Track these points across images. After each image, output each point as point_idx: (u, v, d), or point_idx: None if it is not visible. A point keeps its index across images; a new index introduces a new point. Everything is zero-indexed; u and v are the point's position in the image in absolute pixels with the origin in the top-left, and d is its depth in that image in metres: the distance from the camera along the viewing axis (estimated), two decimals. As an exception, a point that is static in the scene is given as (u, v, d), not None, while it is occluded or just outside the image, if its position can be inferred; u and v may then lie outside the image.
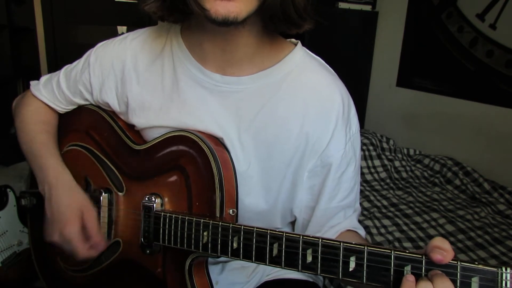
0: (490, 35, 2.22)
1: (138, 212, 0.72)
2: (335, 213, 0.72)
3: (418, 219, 1.90)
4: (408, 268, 0.49)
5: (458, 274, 0.47)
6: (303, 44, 0.76)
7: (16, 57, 2.48)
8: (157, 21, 0.72)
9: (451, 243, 1.67)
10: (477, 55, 2.28)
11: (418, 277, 0.48)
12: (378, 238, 1.72)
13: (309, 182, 0.73)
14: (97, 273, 0.82)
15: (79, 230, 0.73)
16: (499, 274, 0.45)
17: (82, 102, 0.86)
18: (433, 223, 1.87)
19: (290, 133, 0.70)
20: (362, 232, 0.74)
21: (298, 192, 0.74)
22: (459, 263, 0.47)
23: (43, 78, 0.89)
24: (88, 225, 0.74)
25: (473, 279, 0.46)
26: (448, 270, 0.47)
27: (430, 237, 1.75)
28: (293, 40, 0.76)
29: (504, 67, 2.16)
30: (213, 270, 0.83)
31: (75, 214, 0.74)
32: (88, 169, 0.82)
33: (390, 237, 1.73)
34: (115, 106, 0.80)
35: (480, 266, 0.46)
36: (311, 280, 0.85)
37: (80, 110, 0.87)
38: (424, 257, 0.49)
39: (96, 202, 0.78)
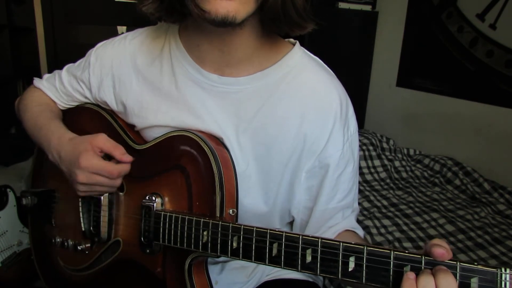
0: (490, 35, 2.22)
1: (138, 212, 0.72)
2: (334, 213, 0.72)
3: (418, 219, 1.90)
4: (407, 269, 0.49)
5: (458, 274, 0.47)
6: (303, 44, 0.76)
7: (16, 57, 2.48)
8: (156, 21, 0.72)
9: (451, 243, 1.68)
10: (477, 55, 2.28)
11: (420, 273, 0.48)
12: (378, 238, 1.72)
13: (307, 183, 0.73)
14: (97, 272, 0.82)
15: (95, 155, 0.69)
16: (499, 275, 0.45)
17: (83, 99, 0.87)
18: (433, 223, 1.87)
19: (288, 133, 0.70)
20: (360, 232, 0.74)
21: (296, 192, 0.74)
22: (458, 263, 0.47)
23: (46, 75, 0.91)
24: (102, 146, 0.70)
25: (472, 279, 0.46)
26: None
27: (430, 237, 1.76)
28: (292, 40, 0.76)
29: (504, 67, 2.16)
30: (213, 270, 0.83)
31: (83, 147, 0.70)
32: None
33: (390, 237, 1.73)
34: (113, 105, 0.81)
35: (480, 267, 0.46)
36: (311, 280, 0.85)
37: (81, 110, 0.88)
38: (423, 257, 0.48)
39: (97, 201, 0.79)
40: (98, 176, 0.69)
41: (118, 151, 0.70)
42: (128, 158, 0.70)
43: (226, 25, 0.58)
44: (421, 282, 0.47)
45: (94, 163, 0.68)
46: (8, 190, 1.41)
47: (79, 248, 0.82)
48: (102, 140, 0.70)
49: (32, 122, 0.83)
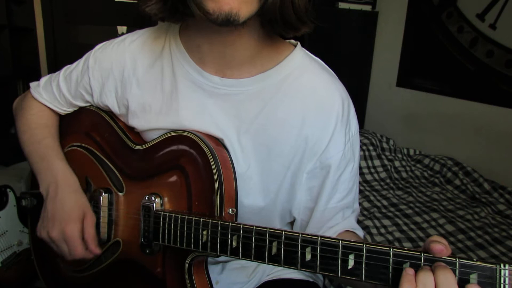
0: (490, 35, 2.22)
1: (138, 212, 0.72)
2: (334, 214, 0.72)
3: (418, 219, 1.90)
4: (406, 265, 0.49)
5: (457, 270, 0.47)
6: (303, 44, 0.76)
7: (16, 57, 2.48)
8: (157, 21, 0.72)
9: (451, 243, 1.68)
10: (477, 55, 2.28)
11: (419, 269, 0.48)
12: (378, 238, 1.72)
13: (308, 184, 0.73)
14: (97, 273, 0.82)
15: (80, 230, 0.75)
16: (498, 271, 0.45)
17: (83, 104, 0.86)
18: (433, 223, 1.87)
19: (289, 134, 0.70)
20: (360, 232, 0.74)
21: (297, 193, 0.74)
22: (457, 259, 0.47)
23: (43, 80, 0.89)
24: (86, 230, 0.75)
25: (471, 275, 0.46)
26: None
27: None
28: (293, 41, 0.76)
29: (504, 67, 2.16)
30: (213, 270, 0.83)
31: (78, 214, 0.75)
32: (89, 169, 0.82)
33: (390, 237, 1.73)
34: (115, 108, 0.80)
35: (479, 263, 0.46)
36: (311, 280, 0.85)
37: (80, 111, 0.88)
38: (422, 254, 0.48)
39: (96, 202, 0.79)
40: (66, 245, 0.75)
41: (93, 243, 0.75)
42: (96, 251, 0.76)
43: (229, 23, 0.57)
44: (420, 278, 0.47)
45: (74, 238, 0.74)
46: (8, 190, 1.41)
47: (79, 248, 0.82)
48: (91, 225, 0.76)
49: (32, 147, 0.84)
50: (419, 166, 2.44)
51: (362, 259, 0.51)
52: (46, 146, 0.83)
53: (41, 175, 0.81)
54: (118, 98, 0.79)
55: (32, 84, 0.90)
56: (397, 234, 1.76)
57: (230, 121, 0.71)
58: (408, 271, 0.48)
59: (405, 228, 1.82)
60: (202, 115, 0.72)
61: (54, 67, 2.68)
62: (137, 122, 0.77)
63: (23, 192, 0.90)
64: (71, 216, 0.75)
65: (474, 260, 0.47)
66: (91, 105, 0.85)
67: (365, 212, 1.94)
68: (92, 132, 0.84)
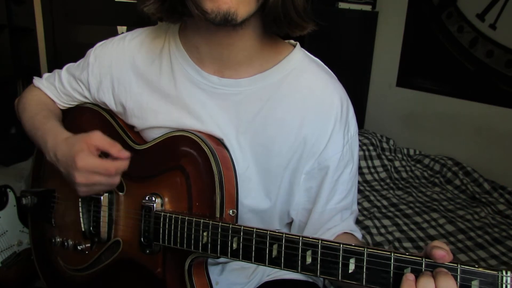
0: (490, 35, 2.21)
1: (138, 212, 0.72)
2: (332, 215, 0.72)
3: (418, 219, 1.90)
4: (407, 271, 0.49)
5: (458, 277, 0.46)
6: (303, 44, 0.76)
7: (16, 57, 2.48)
8: (157, 21, 0.72)
9: (451, 243, 1.68)
10: (477, 55, 2.28)
11: (420, 275, 0.48)
12: (378, 238, 1.72)
13: (306, 184, 0.73)
14: (97, 272, 0.82)
15: (90, 154, 0.67)
16: (500, 278, 0.45)
17: (82, 99, 0.87)
18: (433, 223, 1.87)
19: (288, 135, 0.70)
20: (358, 234, 0.74)
21: (295, 194, 0.74)
22: (459, 265, 0.47)
23: (46, 74, 0.91)
24: (98, 144, 0.67)
25: (473, 282, 0.46)
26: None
27: (430, 237, 1.76)
28: (292, 41, 0.76)
29: (504, 67, 2.16)
30: (214, 271, 0.83)
31: (78, 147, 0.68)
32: None
33: (390, 237, 1.73)
34: (112, 106, 0.81)
35: (481, 269, 0.46)
36: (311, 280, 0.85)
37: (82, 110, 0.88)
38: (424, 259, 0.48)
39: (97, 201, 0.79)
40: (96, 175, 0.67)
41: (115, 148, 0.67)
42: (125, 154, 0.68)
43: (226, 23, 0.57)
44: (420, 284, 0.46)
45: (91, 162, 0.66)
46: (8, 190, 1.41)
47: (79, 248, 0.82)
48: (98, 138, 0.68)
49: (30, 122, 0.83)
50: (419, 166, 2.44)
51: (363, 263, 0.51)
52: (41, 116, 0.81)
53: (41, 145, 0.78)
54: (115, 96, 0.79)
55: (36, 77, 0.92)
56: (397, 234, 1.76)
57: (229, 121, 0.71)
58: (409, 277, 0.47)
59: (405, 228, 1.82)
60: (201, 114, 0.72)
61: (54, 67, 2.66)
62: (136, 120, 0.77)
63: (23, 191, 0.90)
64: (74, 154, 0.67)
65: (476, 266, 0.46)
66: (92, 104, 0.86)
67: (365, 212, 1.93)
68: (92, 130, 0.84)
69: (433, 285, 0.46)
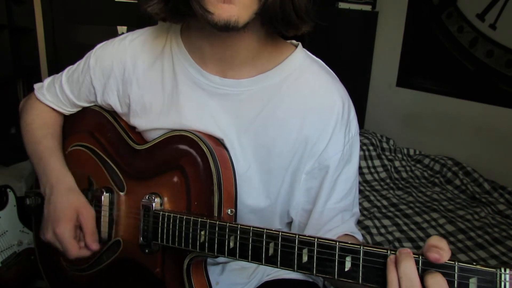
0: (490, 35, 2.22)
1: (138, 212, 0.73)
2: (332, 216, 0.72)
3: (418, 219, 1.90)
4: None
5: (456, 274, 0.46)
6: (303, 45, 0.76)
7: (16, 57, 2.48)
8: (157, 21, 0.72)
9: (451, 243, 1.68)
10: (477, 55, 2.28)
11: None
12: (378, 238, 1.72)
13: (306, 184, 0.73)
14: (98, 272, 0.82)
15: (72, 229, 0.74)
16: (498, 275, 0.44)
17: (88, 105, 0.86)
18: (433, 223, 1.87)
19: (289, 135, 0.70)
20: (359, 237, 0.73)
21: (296, 193, 0.74)
22: (456, 263, 0.46)
23: (46, 81, 0.89)
24: (83, 224, 0.75)
25: (471, 280, 0.45)
26: (445, 270, 0.46)
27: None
28: (294, 42, 0.76)
29: (504, 67, 2.16)
30: (214, 271, 0.83)
31: (69, 213, 0.75)
32: (91, 168, 0.82)
33: (390, 237, 1.73)
34: (117, 107, 0.80)
35: (478, 267, 0.45)
36: (311, 280, 0.85)
37: (84, 111, 0.88)
38: (421, 257, 0.48)
39: (98, 201, 0.79)
40: (60, 245, 0.75)
41: (91, 238, 0.75)
42: (94, 247, 0.75)
43: (228, 29, 0.58)
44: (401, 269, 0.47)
45: (65, 238, 0.73)
46: (8, 190, 1.41)
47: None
48: (87, 218, 0.75)
49: (32, 147, 0.84)
50: (419, 166, 2.44)
51: (359, 262, 0.50)
52: (45, 146, 0.83)
53: (39, 176, 0.81)
54: (120, 97, 0.79)
55: (36, 86, 0.90)
56: (397, 234, 1.76)
57: (231, 121, 0.71)
58: (392, 258, 0.48)
59: (405, 228, 1.83)
60: (202, 114, 0.72)
61: (54, 67, 2.68)
62: (138, 121, 0.77)
63: (27, 191, 0.90)
64: (62, 216, 0.74)
65: (474, 264, 0.46)
66: (95, 105, 0.86)
67: (365, 212, 1.94)
68: (95, 132, 0.84)
69: (414, 269, 0.47)
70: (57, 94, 0.86)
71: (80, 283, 0.86)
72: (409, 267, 0.47)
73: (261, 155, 0.71)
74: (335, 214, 0.72)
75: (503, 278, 0.44)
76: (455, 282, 0.46)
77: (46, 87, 0.88)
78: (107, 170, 0.80)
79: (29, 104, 0.90)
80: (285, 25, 0.64)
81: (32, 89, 0.92)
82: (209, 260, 0.75)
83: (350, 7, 2.69)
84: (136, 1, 2.93)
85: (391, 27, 2.74)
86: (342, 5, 2.66)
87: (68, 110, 0.88)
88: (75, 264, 0.85)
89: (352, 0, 2.68)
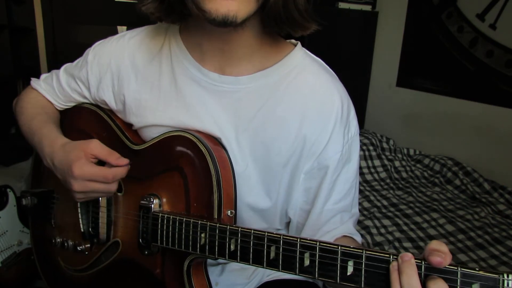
0: (490, 35, 2.21)
1: (137, 213, 0.72)
2: (331, 216, 0.72)
3: (418, 219, 1.90)
4: None
5: (458, 280, 0.46)
6: (303, 44, 0.76)
7: (16, 57, 2.48)
8: (156, 21, 0.72)
9: (451, 243, 1.68)
10: (477, 55, 2.27)
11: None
12: (378, 238, 1.72)
13: (305, 184, 0.73)
14: (97, 273, 0.82)
15: (87, 163, 0.67)
16: (501, 281, 0.44)
17: (81, 99, 0.86)
18: (433, 223, 1.87)
19: (288, 134, 0.70)
20: (358, 238, 0.73)
21: (294, 193, 0.73)
22: (459, 269, 0.46)
23: (44, 75, 0.91)
24: (97, 152, 0.68)
25: (473, 286, 0.45)
26: (448, 276, 0.46)
27: (430, 237, 1.76)
28: (293, 41, 0.76)
29: (504, 67, 2.16)
30: (213, 271, 0.83)
31: (75, 155, 0.68)
32: None
33: (390, 237, 1.73)
34: (112, 104, 0.80)
35: (481, 273, 0.45)
36: (311, 280, 0.85)
37: (79, 110, 0.88)
38: (423, 262, 0.47)
39: (96, 202, 0.79)
40: (93, 183, 0.67)
41: (113, 156, 0.68)
42: (124, 161, 0.68)
43: (226, 25, 0.58)
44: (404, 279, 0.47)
45: (87, 171, 0.67)
46: (8, 190, 1.41)
47: (78, 248, 0.82)
48: (95, 147, 0.68)
49: (26, 126, 0.83)
50: (419, 166, 2.44)
51: (362, 266, 0.50)
52: (38, 120, 0.82)
53: (39, 151, 0.79)
54: (115, 93, 0.79)
55: (33, 79, 0.91)
56: (397, 234, 1.76)
57: (229, 119, 0.71)
58: (395, 266, 0.48)
59: (405, 228, 1.82)
60: (200, 112, 0.72)
61: (54, 67, 2.65)
62: (134, 118, 0.77)
63: (23, 191, 0.90)
64: (70, 162, 0.68)
65: (477, 269, 0.45)
66: (90, 104, 0.86)
67: (365, 212, 1.93)
68: (91, 131, 0.84)
69: (416, 278, 0.46)
70: (53, 85, 0.87)
71: (79, 284, 0.86)
72: (411, 277, 0.47)
73: (259, 153, 0.71)
74: (333, 215, 0.72)
75: (506, 284, 0.44)
76: (458, 287, 0.46)
77: (43, 79, 0.89)
78: None
79: (24, 94, 0.90)
80: (291, 25, 0.64)
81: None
82: (209, 260, 0.75)
83: (350, 7, 2.68)
84: (136, 1, 2.92)
85: (391, 27, 2.74)
86: (342, 5, 2.66)
87: (61, 103, 0.88)
88: (73, 264, 0.85)
89: (352, 0, 2.68)
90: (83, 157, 0.67)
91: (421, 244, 1.69)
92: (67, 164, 0.68)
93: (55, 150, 0.73)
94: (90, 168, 0.67)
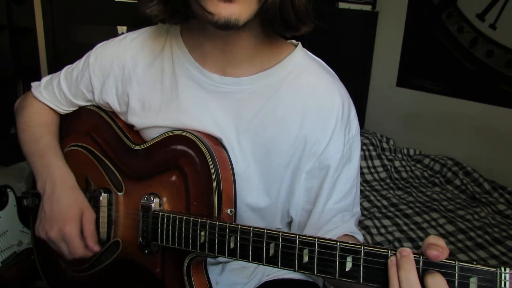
0: (490, 35, 2.22)
1: (137, 212, 0.72)
2: (332, 216, 0.72)
3: (418, 219, 1.90)
4: None
5: (456, 274, 0.46)
6: (303, 45, 0.76)
7: (16, 57, 2.48)
8: (159, 23, 0.72)
9: (451, 243, 1.68)
10: (477, 55, 2.28)
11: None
12: (378, 238, 1.72)
13: (306, 184, 0.73)
14: (97, 272, 0.82)
15: (78, 229, 0.74)
16: (498, 275, 0.44)
17: (84, 103, 0.86)
18: (433, 223, 1.87)
19: (288, 134, 0.70)
20: (360, 237, 0.73)
21: (296, 193, 0.73)
22: (457, 263, 0.46)
23: (44, 80, 0.89)
24: (85, 227, 0.75)
25: (471, 279, 0.45)
26: (446, 270, 0.47)
27: (430, 237, 1.76)
28: (294, 41, 0.76)
29: (504, 67, 2.16)
30: (214, 271, 0.83)
31: (76, 212, 0.75)
32: (89, 169, 0.82)
33: (390, 237, 1.73)
34: (116, 106, 0.80)
35: (479, 266, 0.45)
36: (311, 280, 0.85)
37: (80, 111, 0.88)
38: (421, 257, 0.48)
39: (96, 202, 0.79)
40: (65, 245, 0.74)
41: (91, 240, 0.75)
42: (96, 248, 0.75)
43: (228, 28, 0.58)
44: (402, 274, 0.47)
45: (73, 237, 0.73)
46: (8, 190, 1.41)
47: (79, 248, 0.82)
48: (88, 220, 0.75)
49: (30, 145, 0.84)
50: (419, 166, 2.44)
51: (360, 262, 0.50)
52: (44, 144, 0.83)
53: (38, 173, 0.80)
54: (119, 95, 0.79)
55: (34, 84, 0.90)
56: (397, 234, 1.76)
57: (230, 119, 0.71)
58: (393, 261, 0.48)
59: (405, 228, 1.83)
60: (201, 113, 0.72)
61: (54, 67, 2.67)
62: (136, 119, 0.77)
63: (24, 192, 0.90)
64: (69, 215, 0.74)
65: (474, 263, 0.46)
66: (92, 104, 0.86)
67: (365, 212, 1.94)
68: (92, 132, 0.84)
69: (414, 273, 0.47)
70: (54, 92, 0.86)
71: (79, 284, 0.86)
72: (409, 271, 0.47)
73: (260, 153, 0.71)
74: (334, 214, 0.72)
75: (503, 278, 0.44)
76: (456, 281, 0.46)
77: (43, 85, 0.88)
78: (105, 170, 0.80)
79: (26, 102, 0.90)
80: (284, 27, 0.64)
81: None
82: (209, 259, 0.75)
83: (350, 7, 2.69)
84: (136, 1, 2.93)
85: (391, 27, 2.74)
86: (342, 5, 2.66)
87: (64, 109, 0.88)
88: (74, 264, 0.85)
89: (352, 0, 2.68)
90: (78, 220, 0.74)
91: (421, 244, 1.69)
92: (64, 214, 0.74)
93: (63, 186, 0.77)
94: (76, 236, 0.74)
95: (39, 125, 0.86)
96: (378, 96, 2.89)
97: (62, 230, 0.73)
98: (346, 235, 0.71)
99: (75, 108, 0.88)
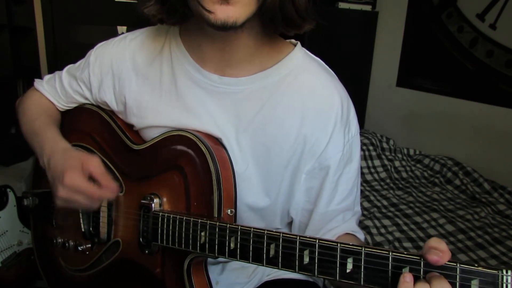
0: (490, 35, 2.22)
1: (137, 212, 0.72)
2: (333, 216, 0.72)
3: (418, 219, 1.90)
4: (406, 270, 0.48)
5: (458, 276, 0.46)
6: (303, 44, 0.76)
7: (16, 57, 2.48)
8: (157, 23, 0.72)
9: (451, 243, 1.68)
10: (477, 55, 2.28)
11: (416, 279, 0.47)
12: (378, 238, 1.72)
13: (306, 184, 0.73)
14: (97, 272, 0.82)
15: (81, 176, 0.67)
16: (500, 277, 0.44)
17: (82, 100, 0.87)
18: (433, 223, 1.87)
19: (288, 134, 0.70)
20: (361, 235, 0.73)
21: (296, 193, 0.73)
22: (458, 265, 0.46)
23: (47, 76, 0.91)
24: (92, 170, 0.68)
25: (472, 281, 0.45)
26: (447, 272, 0.46)
27: (430, 237, 1.74)
28: (293, 40, 0.76)
29: (504, 67, 2.16)
30: (214, 270, 0.83)
31: (73, 163, 0.69)
32: None
33: (390, 237, 1.73)
34: (113, 105, 0.81)
35: (480, 269, 0.45)
36: (311, 280, 0.85)
37: (81, 110, 0.88)
38: (422, 259, 0.48)
39: None
40: (78, 195, 0.67)
41: (105, 178, 0.68)
42: (113, 185, 0.69)
43: (226, 29, 0.58)
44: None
45: (77, 182, 0.67)
46: (8, 190, 1.41)
47: (79, 248, 0.82)
48: (93, 164, 0.68)
49: (28, 126, 0.83)
50: (419, 166, 2.44)
51: (361, 263, 0.50)
52: (40, 121, 0.83)
53: (37, 151, 0.79)
54: (116, 95, 0.80)
55: (37, 80, 0.92)
56: (397, 234, 1.76)
57: (229, 119, 0.71)
58: (407, 278, 0.47)
59: (405, 228, 1.82)
60: (200, 113, 0.72)
61: (54, 67, 2.67)
62: (135, 119, 0.78)
63: (25, 192, 0.90)
64: (66, 167, 0.68)
65: (476, 265, 0.45)
66: (91, 104, 0.86)
67: (365, 212, 1.94)
68: (92, 131, 0.84)
69: None
70: (55, 86, 0.88)
71: (80, 284, 0.86)
72: None
73: (260, 154, 0.71)
74: (336, 214, 0.72)
75: (505, 280, 0.44)
76: (457, 284, 0.46)
77: (46, 80, 0.90)
78: None
79: (27, 95, 0.91)
80: (286, 24, 0.64)
81: (32, 89, 0.93)
82: (209, 259, 0.75)
83: (350, 7, 2.68)
84: (136, 1, 2.93)
85: (391, 27, 2.74)
86: (342, 5, 2.66)
87: (63, 104, 0.89)
88: (74, 264, 0.85)
89: (352, 0, 2.68)
90: (78, 168, 0.68)
91: (421, 244, 1.69)
92: (61, 169, 0.68)
93: (55, 151, 0.74)
94: (81, 181, 0.67)
95: (37, 108, 0.87)
96: (378, 96, 2.89)
97: (63, 183, 0.67)
98: (347, 233, 0.72)
99: (74, 105, 0.89)
